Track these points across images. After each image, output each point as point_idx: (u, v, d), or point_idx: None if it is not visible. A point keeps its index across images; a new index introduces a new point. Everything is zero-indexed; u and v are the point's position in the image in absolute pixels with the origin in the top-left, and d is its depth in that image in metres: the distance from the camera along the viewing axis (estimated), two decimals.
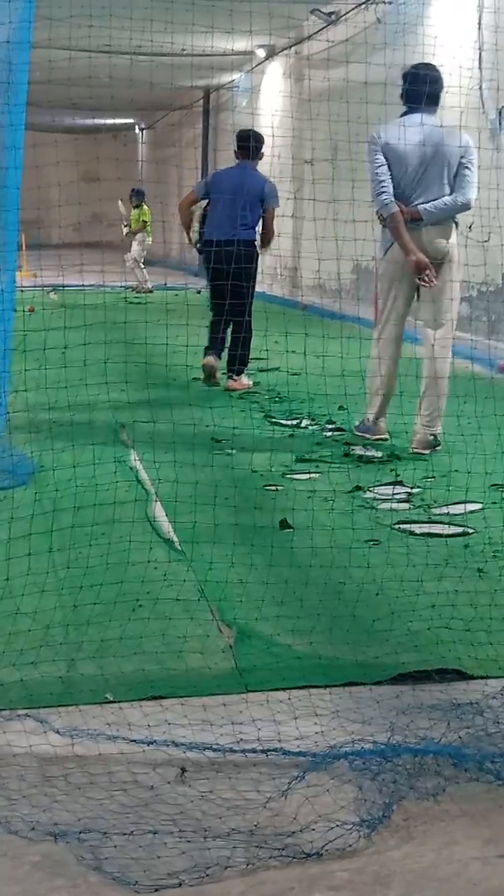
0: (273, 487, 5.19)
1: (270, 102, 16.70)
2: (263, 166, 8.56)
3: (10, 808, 2.42)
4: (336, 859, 2.27)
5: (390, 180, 5.81)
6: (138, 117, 28.16)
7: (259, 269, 8.32)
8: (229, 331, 8.18)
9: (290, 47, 16.01)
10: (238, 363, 8.12)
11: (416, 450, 5.93)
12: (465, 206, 5.90)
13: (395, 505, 4.86)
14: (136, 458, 5.66)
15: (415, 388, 6.04)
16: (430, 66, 6.01)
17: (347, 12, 12.86)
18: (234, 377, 8.12)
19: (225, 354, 8.19)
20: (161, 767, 2.61)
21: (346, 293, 13.57)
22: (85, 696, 2.97)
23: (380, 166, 5.82)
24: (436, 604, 3.59)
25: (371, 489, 5.15)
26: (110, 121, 27.89)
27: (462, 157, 5.82)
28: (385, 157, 5.82)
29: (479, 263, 7.43)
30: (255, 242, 8.17)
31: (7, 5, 4.69)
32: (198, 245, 8.55)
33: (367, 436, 6.18)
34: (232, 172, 8.36)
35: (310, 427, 6.66)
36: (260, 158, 8.41)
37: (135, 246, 18.05)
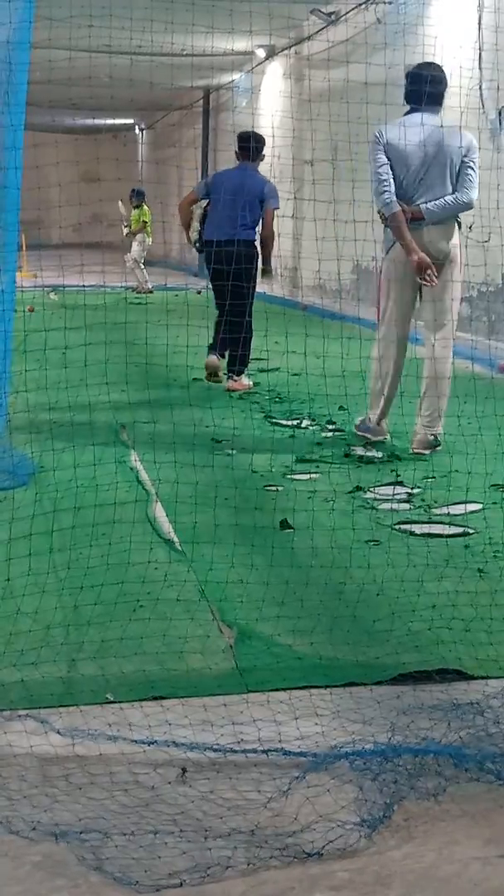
0: (273, 488, 5.19)
1: (270, 103, 16.70)
2: (264, 167, 8.57)
3: (11, 809, 2.43)
4: (337, 859, 2.27)
5: (392, 179, 5.79)
6: (138, 117, 28.19)
7: (259, 270, 8.32)
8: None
9: (290, 47, 16.02)
10: (238, 363, 8.13)
11: (416, 450, 5.93)
12: (468, 206, 5.89)
13: (395, 505, 4.86)
14: (137, 459, 5.66)
15: (415, 388, 6.04)
16: (433, 66, 5.97)
17: (347, 12, 12.86)
18: (235, 377, 8.13)
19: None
20: (162, 768, 2.61)
21: (346, 293, 13.57)
22: (86, 697, 2.97)
23: (381, 165, 5.81)
24: (436, 604, 3.60)
25: (371, 489, 5.15)
26: (110, 121, 27.90)
27: (465, 157, 5.81)
28: (387, 157, 5.81)
29: (479, 263, 7.43)
30: (255, 243, 8.18)
31: (7, 5, 4.70)
32: (197, 244, 8.56)
33: (369, 436, 6.18)
34: (232, 173, 8.38)
35: (310, 427, 6.66)
36: (261, 160, 8.42)
37: (135, 246, 18.06)
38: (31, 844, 2.31)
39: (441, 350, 5.96)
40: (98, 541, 4.01)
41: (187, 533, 4.34)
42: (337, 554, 4.13)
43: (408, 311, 6.11)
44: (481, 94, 9.41)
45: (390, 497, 4.94)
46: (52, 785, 2.53)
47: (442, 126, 5.79)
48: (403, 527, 4.58)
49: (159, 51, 12.61)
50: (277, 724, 2.81)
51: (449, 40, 9.30)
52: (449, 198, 5.81)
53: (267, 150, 8.50)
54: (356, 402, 6.11)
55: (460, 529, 4.54)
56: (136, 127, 29.79)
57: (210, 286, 8.38)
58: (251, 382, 8.21)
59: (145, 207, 18.14)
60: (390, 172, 5.80)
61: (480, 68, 9.50)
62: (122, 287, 15.16)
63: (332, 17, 13.62)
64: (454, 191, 5.83)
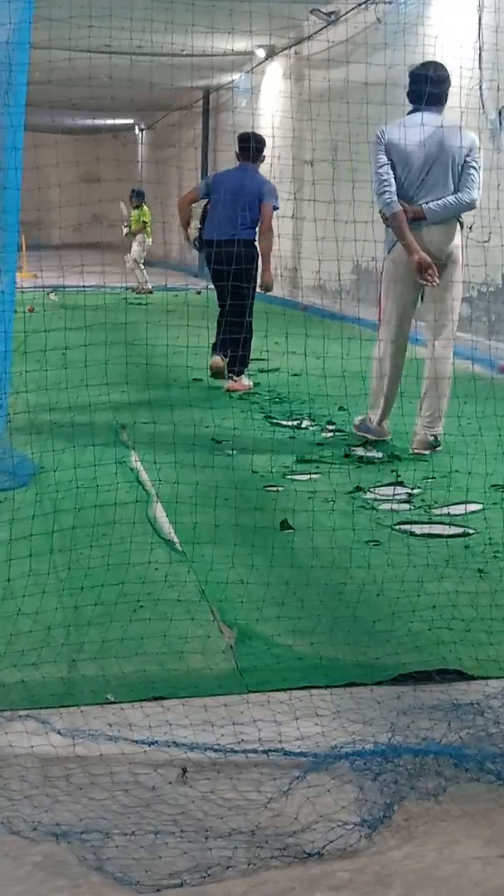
0: (273, 488, 5.19)
1: (270, 103, 16.70)
2: (264, 167, 8.58)
3: (11, 809, 2.43)
4: (337, 859, 2.27)
5: (393, 179, 5.78)
6: (138, 118, 28.19)
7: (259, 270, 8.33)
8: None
9: (290, 47, 16.02)
10: (238, 364, 8.13)
11: (416, 450, 5.93)
12: (470, 206, 5.87)
13: (395, 506, 4.86)
14: (137, 459, 5.66)
15: (415, 388, 6.04)
16: (436, 66, 5.93)
17: (347, 12, 12.86)
18: (235, 378, 8.13)
19: None
20: (162, 768, 2.61)
21: (346, 294, 13.57)
22: (86, 697, 2.97)
23: (382, 165, 5.79)
24: (436, 604, 3.60)
25: (372, 490, 5.15)
26: (110, 121, 27.90)
27: (467, 157, 5.78)
28: (389, 157, 5.80)
29: (479, 264, 7.43)
30: (255, 243, 8.19)
31: (7, 6, 4.70)
32: (196, 242, 8.57)
33: (369, 436, 6.18)
34: (232, 174, 8.39)
35: (310, 428, 6.66)
36: (261, 161, 8.43)
37: (135, 247, 18.05)
38: (31, 844, 2.31)
39: (442, 350, 5.96)
40: (98, 541, 4.01)
41: (187, 533, 4.34)
42: (337, 554, 4.13)
43: (409, 312, 6.10)
44: (481, 94, 9.41)
45: (390, 497, 4.94)
46: (52, 785, 2.54)
47: (443, 126, 5.78)
48: (404, 527, 4.58)
49: (159, 51, 12.62)
50: (278, 724, 2.81)
51: (449, 40, 9.29)
52: (451, 198, 5.80)
53: (267, 151, 8.51)
54: (356, 402, 6.11)
55: (460, 530, 4.54)
56: (136, 127, 29.79)
57: (210, 286, 8.40)
58: (251, 383, 8.21)
59: (145, 208, 18.14)
60: (391, 172, 5.79)
61: (480, 68, 9.50)
62: (122, 287, 15.16)
63: (332, 17, 13.62)
64: (456, 191, 5.82)
